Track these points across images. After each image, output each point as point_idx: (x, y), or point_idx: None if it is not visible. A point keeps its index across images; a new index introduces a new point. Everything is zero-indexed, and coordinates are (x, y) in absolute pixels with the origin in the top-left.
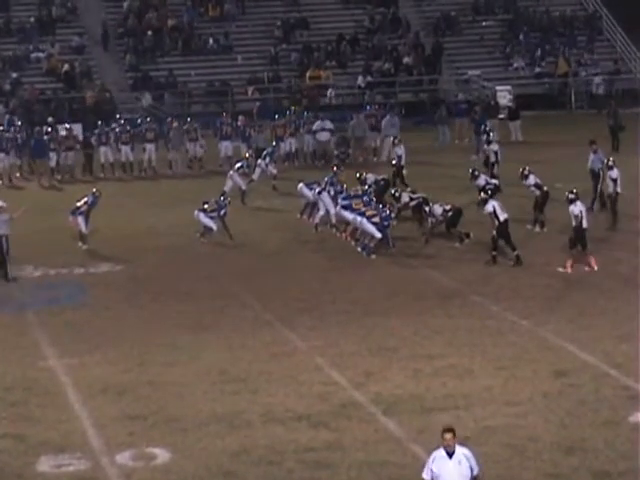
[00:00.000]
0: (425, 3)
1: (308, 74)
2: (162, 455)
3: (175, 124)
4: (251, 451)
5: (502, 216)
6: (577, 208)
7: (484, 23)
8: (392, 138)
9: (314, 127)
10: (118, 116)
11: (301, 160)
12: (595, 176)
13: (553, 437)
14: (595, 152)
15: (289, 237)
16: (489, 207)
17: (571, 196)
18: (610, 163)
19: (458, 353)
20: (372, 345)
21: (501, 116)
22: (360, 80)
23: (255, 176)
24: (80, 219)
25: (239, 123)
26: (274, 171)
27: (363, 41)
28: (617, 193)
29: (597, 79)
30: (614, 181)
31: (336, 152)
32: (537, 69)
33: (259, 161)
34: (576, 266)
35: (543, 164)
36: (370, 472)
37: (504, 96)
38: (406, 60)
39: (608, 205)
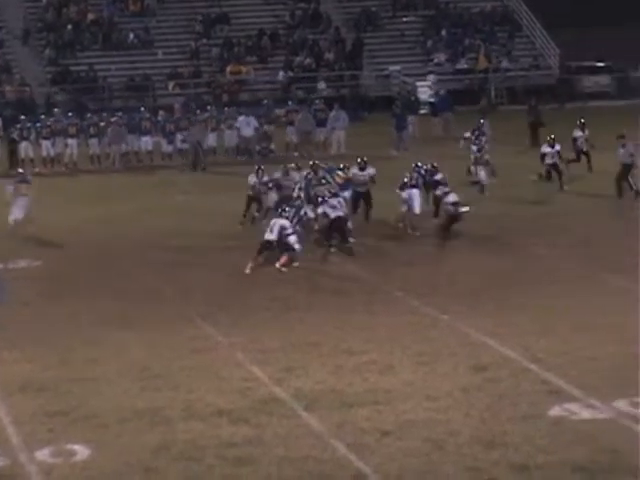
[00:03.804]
0: None
1: (229, 69)
2: (82, 451)
3: (114, 119)
4: (171, 447)
5: (333, 214)
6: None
7: (405, 19)
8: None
9: (238, 123)
10: (41, 111)
11: (222, 155)
12: (625, 169)
13: (473, 431)
14: (624, 146)
15: (211, 233)
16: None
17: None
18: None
19: (379, 349)
20: (293, 341)
21: (422, 111)
22: (281, 75)
23: None
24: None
25: (159, 118)
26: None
27: (284, 36)
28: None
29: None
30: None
31: (258, 147)
32: (458, 65)
33: None
34: (494, 261)
35: (462, 159)
36: (291, 467)
37: (425, 91)
38: (327, 55)
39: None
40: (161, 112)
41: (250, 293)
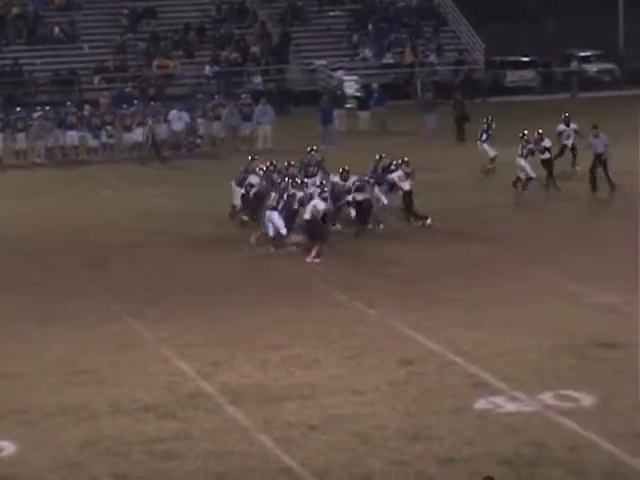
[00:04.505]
0: None
1: (155, 63)
2: (8, 447)
3: (40, 113)
4: (98, 442)
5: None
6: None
7: (331, 13)
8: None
9: (169, 116)
10: None
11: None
12: (598, 159)
13: (399, 425)
14: (596, 136)
15: (137, 228)
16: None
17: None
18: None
19: (305, 343)
20: (220, 335)
21: (348, 106)
22: (207, 69)
23: None
24: None
25: (85, 112)
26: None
27: (210, 31)
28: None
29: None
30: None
31: (185, 141)
32: (384, 59)
33: None
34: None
35: (389, 154)
36: (217, 462)
37: (351, 86)
38: (253, 50)
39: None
40: (87, 106)
41: (177, 288)
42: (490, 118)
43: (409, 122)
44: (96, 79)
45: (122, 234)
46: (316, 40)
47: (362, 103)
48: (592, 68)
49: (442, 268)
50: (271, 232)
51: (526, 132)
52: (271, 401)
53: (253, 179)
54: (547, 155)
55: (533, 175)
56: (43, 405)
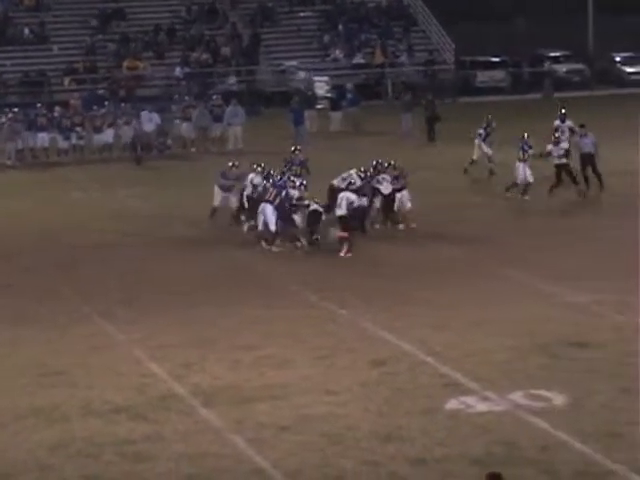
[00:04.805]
0: None
1: (125, 64)
2: None
3: (9, 115)
4: (69, 444)
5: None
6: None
7: (302, 14)
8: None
9: (141, 118)
10: None
11: (119, 151)
12: (587, 160)
13: (371, 425)
14: (585, 136)
15: (108, 229)
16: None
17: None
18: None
19: (277, 343)
20: (192, 336)
21: (319, 106)
22: (178, 71)
23: None
24: None
25: (55, 114)
26: None
27: (180, 32)
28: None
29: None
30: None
31: (155, 142)
32: (354, 60)
33: None
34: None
35: (361, 154)
36: (189, 463)
37: (322, 86)
38: (224, 51)
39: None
40: (57, 108)
41: (148, 289)
42: (489, 117)
43: (380, 122)
44: (66, 80)
45: (93, 235)
46: (286, 41)
47: (334, 103)
48: (562, 68)
49: (414, 268)
50: (260, 225)
51: (526, 135)
52: (243, 402)
53: (256, 180)
54: (563, 160)
55: (531, 180)
56: (14, 407)
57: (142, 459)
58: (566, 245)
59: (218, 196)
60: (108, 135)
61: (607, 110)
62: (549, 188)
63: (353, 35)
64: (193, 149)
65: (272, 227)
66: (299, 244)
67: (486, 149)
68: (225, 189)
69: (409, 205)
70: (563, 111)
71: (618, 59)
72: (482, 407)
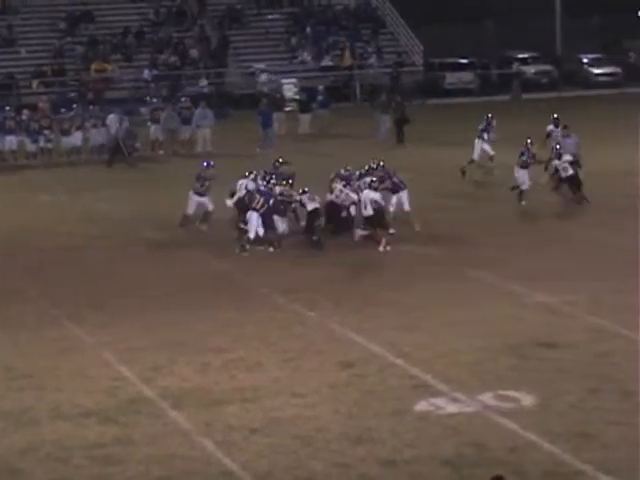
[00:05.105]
0: None
1: (93, 67)
2: None
3: None
4: (38, 448)
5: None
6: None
7: (270, 16)
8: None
9: (108, 120)
10: None
11: (87, 154)
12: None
13: (341, 427)
14: (567, 136)
15: (76, 232)
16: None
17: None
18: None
19: (246, 346)
20: (161, 340)
21: (287, 109)
22: (146, 73)
23: None
24: None
25: (23, 117)
26: None
27: (149, 34)
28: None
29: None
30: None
31: (124, 146)
32: (323, 62)
33: None
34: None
35: (330, 156)
36: (159, 466)
37: (290, 89)
38: (192, 53)
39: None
40: (25, 111)
41: (117, 292)
42: (490, 115)
43: (348, 125)
44: (34, 83)
45: (62, 238)
46: (255, 43)
47: (303, 106)
48: (530, 70)
49: (384, 270)
50: (252, 234)
51: (529, 141)
52: (212, 405)
53: (250, 185)
54: (571, 172)
55: (525, 187)
56: None
57: (112, 462)
58: (539, 246)
59: (193, 203)
60: (76, 138)
61: (575, 111)
62: (553, 188)
63: (321, 37)
64: (162, 152)
65: (251, 235)
66: (271, 249)
67: (487, 149)
68: (201, 193)
69: (407, 207)
70: (555, 115)
71: (585, 60)
72: (452, 408)
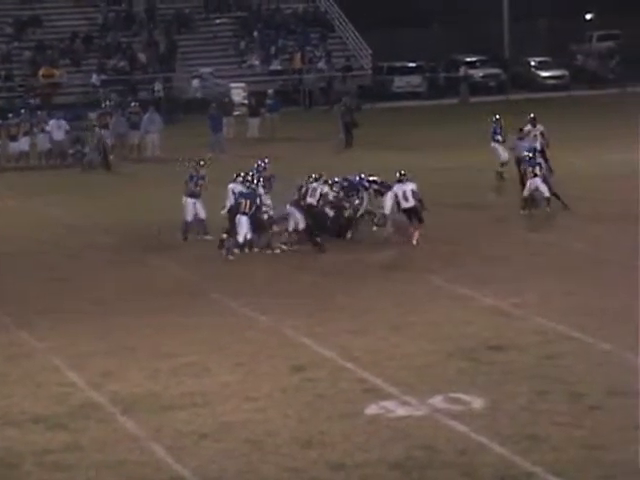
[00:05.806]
0: (158, 0)
1: (41, 72)
2: None
3: None
4: None
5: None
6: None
7: (217, 21)
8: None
9: (48, 127)
10: None
11: (35, 159)
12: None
13: (292, 431)
14: (521, 139)
15: (26, 237)
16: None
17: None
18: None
19: (197, 351)
20: (111, 345)
21: (236, 113)
22: (94, 78)
23: None
24: None
25: None
26: None
27: (97, 39)
28: None
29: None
30: None
31: (71, 151)
32: (271, 66)
33: None
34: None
35: (280, 160)
36: (109, 472)
37: (238, 93)
38: (141, 58)
39: None
40: None
41: (67, 297)
42: (497, 116)
43: (298, 128)
44: None
45: (10, 244)
46: (203, 48)
47: (252, 109)
48: (478, 73)
49: (336, 273)
50: (241, 238)
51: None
52: (162, 410)
53: (237, 188)
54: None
55: (526, 194)
56: None
57: (61, 468)
58: (489, 250)
59: (189, 208)
60: (24, 143)
61: (523, 114)
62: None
63: (269, 41)
64: (111, 156)
65: (240, 238)
66: (230, 257)
67: (500, 152)
68: (195, 194)
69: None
70: (532, 115)
71: (533, 63)
72: (402, 412)
